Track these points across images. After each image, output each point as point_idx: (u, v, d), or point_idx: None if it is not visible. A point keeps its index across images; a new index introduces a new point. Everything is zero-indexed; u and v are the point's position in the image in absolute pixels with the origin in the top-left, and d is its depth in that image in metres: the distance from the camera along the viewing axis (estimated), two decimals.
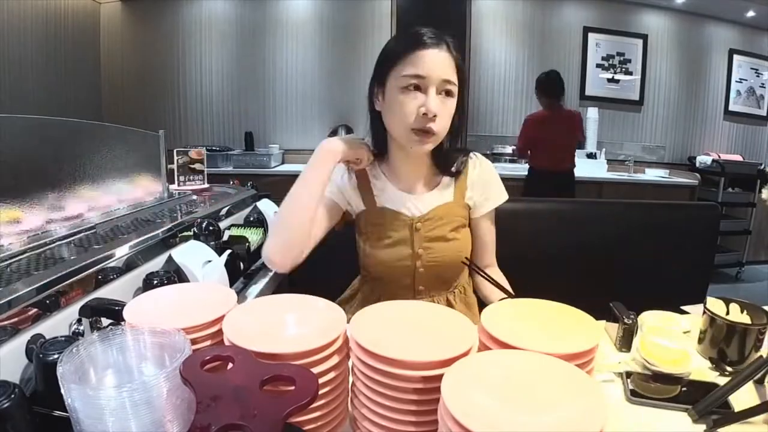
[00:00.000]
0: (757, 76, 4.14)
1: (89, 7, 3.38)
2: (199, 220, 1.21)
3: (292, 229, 0.89)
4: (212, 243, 1.12)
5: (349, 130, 3.56)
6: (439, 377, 0.45)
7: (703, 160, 3.78)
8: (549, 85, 2.91)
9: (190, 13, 3.60)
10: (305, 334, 0.54)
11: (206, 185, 1.83)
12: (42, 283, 0.75)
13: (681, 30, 3.92)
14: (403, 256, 0.97)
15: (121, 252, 0.97)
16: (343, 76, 3.71)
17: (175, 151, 1.76)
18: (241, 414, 0.39)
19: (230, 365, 0.47)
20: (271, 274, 1.26)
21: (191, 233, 1.17)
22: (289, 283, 1.36)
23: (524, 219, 1.32)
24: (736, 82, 4.07)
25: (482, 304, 1.02)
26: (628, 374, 0.73)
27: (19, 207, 1.00)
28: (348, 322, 0.57)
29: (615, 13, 3.83)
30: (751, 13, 3.78)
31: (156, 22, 3.59)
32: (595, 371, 0.65)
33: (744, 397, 0.67)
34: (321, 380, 0.48)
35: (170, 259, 0.99)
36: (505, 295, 0.84)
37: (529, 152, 3.03)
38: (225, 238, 1.24)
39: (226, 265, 1.05)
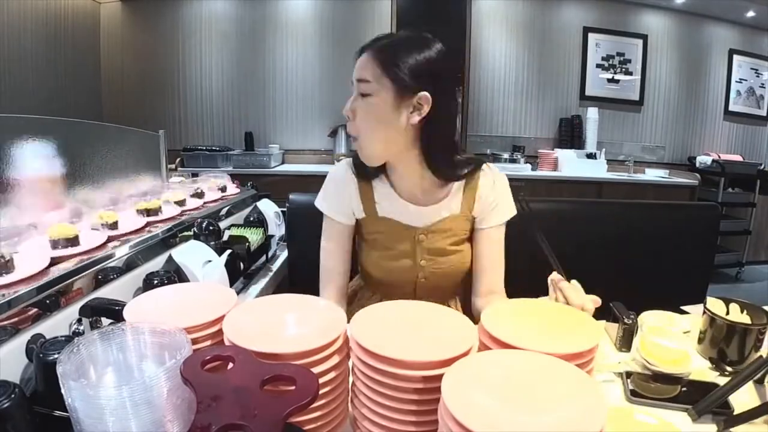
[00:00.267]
0: (757, 76, 4.14)
1: (89, 8, 3.38)
2: (199, 220, 1.21)
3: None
4: (212, 243, 1.12)
5: None
6: (440, 377, 0.45)
7: (703, 160, 3.78)
8: None
9: (190, 13, 3.60)
10: (305, 334, 0.54)
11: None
12: (42, 282, 0.75)
13: (681, 30, 3.92)
14: (404, 268, 0.96)
15: (121, 252, 0.97)
16: (343, 76, 3.70)
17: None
18: (242, 414, 0.39)
19: (230, 365, 0.47)
20: (271, 274, 1.26)
21: (191, 233, 1.17)
22: (289, 283, 1.37)
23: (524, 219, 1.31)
24: (736, 82, 4.06)
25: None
26: (628, 374, 0.73)
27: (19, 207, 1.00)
28: (348, 321, 0.57)
29: (615, 13, 3.83)
30: (751, 13, 3.77)
31: (156, 23, 3.58)
32: (595, 371, 0.65)
33: (744, 397, 0.67)
34: (321, 380, 0.48)
35: (170, 259, 0.99)
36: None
37: None
38: (225, 238, 1.24)
39: (226, 265, 1.05)
